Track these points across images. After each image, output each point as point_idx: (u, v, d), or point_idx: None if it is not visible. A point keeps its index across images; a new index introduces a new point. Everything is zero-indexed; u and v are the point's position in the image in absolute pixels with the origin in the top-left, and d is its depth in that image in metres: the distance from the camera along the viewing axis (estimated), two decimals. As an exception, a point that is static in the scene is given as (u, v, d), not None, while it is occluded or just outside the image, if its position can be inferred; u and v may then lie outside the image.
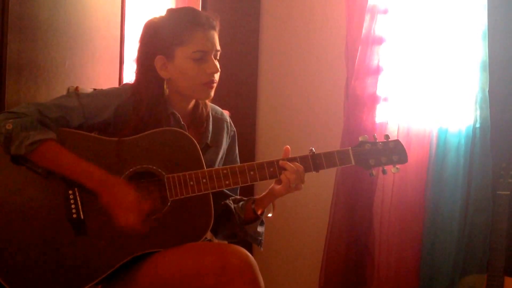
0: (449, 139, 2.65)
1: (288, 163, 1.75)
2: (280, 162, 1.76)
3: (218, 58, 1.83)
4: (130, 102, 1.78)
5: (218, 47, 1.82)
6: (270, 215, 1.88)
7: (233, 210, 1.88)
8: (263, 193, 1.85)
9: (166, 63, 1.78)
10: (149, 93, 1.79)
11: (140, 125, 1.75)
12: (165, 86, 1.80)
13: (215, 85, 1.82)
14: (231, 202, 1.91)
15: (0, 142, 1.64)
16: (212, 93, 1.83)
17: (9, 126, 1.63)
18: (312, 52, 3.16)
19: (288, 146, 1.79)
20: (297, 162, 1.75)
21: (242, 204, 1.89)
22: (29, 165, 1.66)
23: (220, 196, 1.90)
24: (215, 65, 1.79)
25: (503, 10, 2.52)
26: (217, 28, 1.82)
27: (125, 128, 1.75)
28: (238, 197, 1.95)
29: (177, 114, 1.81)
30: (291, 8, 3.23)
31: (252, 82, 3.29)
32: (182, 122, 1.82)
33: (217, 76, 1.82)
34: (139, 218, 1.64)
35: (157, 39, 1.79)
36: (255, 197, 1.88)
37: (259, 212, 1.84)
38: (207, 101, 1.91)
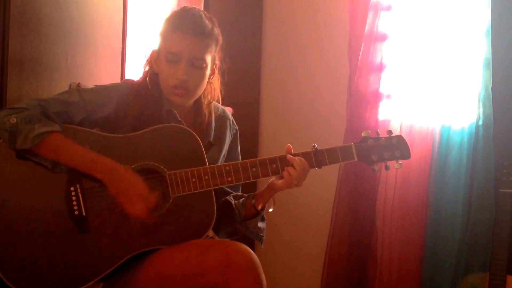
0: (452, 136, 2.64)
1: (295, 159, 1.73)
2: (288, 157, 1.74)
3: (198, 66, 1.74)
4: (131, 97, 1.78)
5: (196, 54, 1.73)
6: (271, 210, 1.88)
7: (234, 206, 1.87)
8: (263, 188, 1.84)
9: (157, 58, 1.80)
10: (147, 84, 1.80)
11: (140, 117, 1.75)
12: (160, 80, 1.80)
13: (188, 92, 1.75)
14: (232, 198, 1.91)
15: (5, 138, 1.64)
16: (184, 101, 1.78)
17: (13, 120, 1.62)
18: (315, 49, 3.15)
19: (290, 145, 1.78)
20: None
21: (242, 201, 1.89)
22: (35, 158, 1.66)
23: (221, 193, 1.90)
24: (182, 71, 1.72)
25: (506, 7, 2.51)
26: (206, 36, 1.74)
27: (126, 122, 1.75)
28: (239, 193, 1.95)
29: (174, 110, 1.81)
30: (294, 5, 3.23)
31: (255, 79, 3.28)
32: (179, 118, 1.81)
33: (190, 84, 1.75)
34: (146, 209, 1.64)
35: (158, 34, 1.80)
36: (255, 192, 1.87)
37: (259, 208, 1.84)
38: (212, 102, 1.89)
